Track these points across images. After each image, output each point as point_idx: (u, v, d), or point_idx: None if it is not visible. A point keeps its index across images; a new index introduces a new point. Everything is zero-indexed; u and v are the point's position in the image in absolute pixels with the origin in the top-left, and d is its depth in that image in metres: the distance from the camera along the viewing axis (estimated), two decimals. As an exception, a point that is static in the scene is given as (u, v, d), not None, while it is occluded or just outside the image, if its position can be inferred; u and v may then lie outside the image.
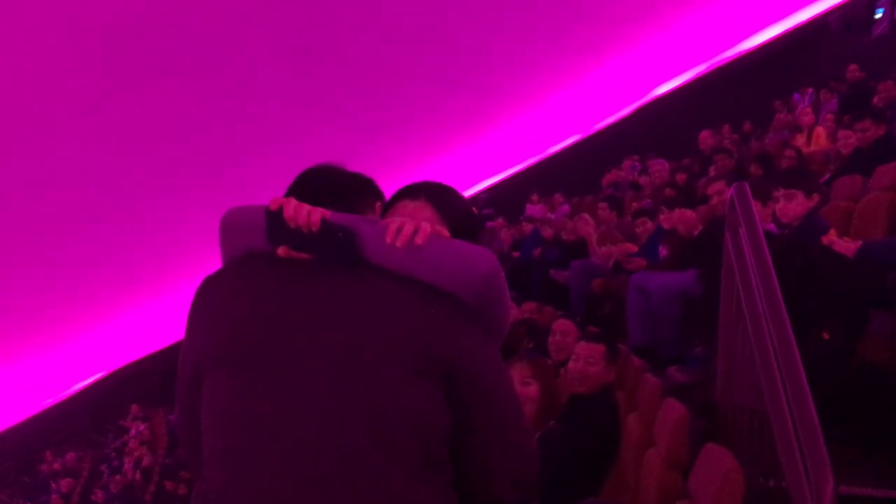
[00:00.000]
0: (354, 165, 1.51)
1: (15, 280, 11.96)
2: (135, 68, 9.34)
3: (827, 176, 6.12)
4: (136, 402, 13.84)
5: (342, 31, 10.04)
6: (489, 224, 11.73)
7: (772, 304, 2.39)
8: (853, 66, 10.05)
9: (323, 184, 1.41)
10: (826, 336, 3.05)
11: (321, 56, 10.40)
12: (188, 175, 11.52)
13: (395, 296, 1.24)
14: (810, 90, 10.64)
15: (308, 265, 1.28)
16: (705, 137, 9.11)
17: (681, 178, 8.31)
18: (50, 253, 11.93)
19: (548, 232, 8.66)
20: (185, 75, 9.85)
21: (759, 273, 2.52)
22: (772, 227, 3.64)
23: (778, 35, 13.41)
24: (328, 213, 1.28)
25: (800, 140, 8.00)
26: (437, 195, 1.48)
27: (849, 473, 2.71)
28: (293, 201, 1.29)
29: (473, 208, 1.57)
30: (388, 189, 1.52)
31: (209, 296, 1.34)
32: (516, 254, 9.40)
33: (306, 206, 1.28)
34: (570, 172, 12.26)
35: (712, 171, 7.25)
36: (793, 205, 3.43)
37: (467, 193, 13.51)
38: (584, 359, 3.21)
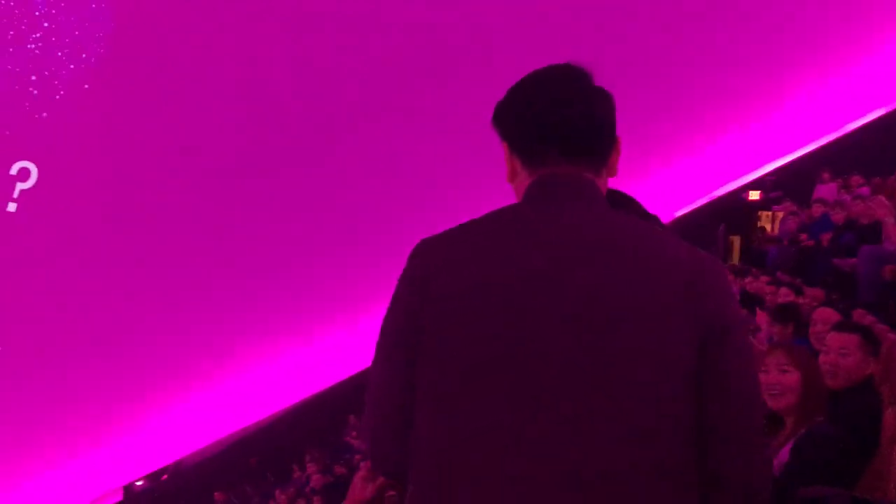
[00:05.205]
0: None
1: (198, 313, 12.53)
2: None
3: None
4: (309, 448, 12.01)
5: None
6: (775, 207, 11.10)
7: None
8: None
9: None
10: None
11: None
12: (333, 232, 12.17)
13: (663, 284, 1.09)
14: None
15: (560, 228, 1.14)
16: None
17: None
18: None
19: (839, 216, 8.12)
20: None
21: None
22: None
23: None
24: None
25: None
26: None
27: None
28: None
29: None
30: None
31: (435, 260, 1.16)
32: (804, 237, 8.91)
33: None
34: (870, 150, 11.07)
35: None
36: None
37: (750, 177, 12.77)
38: (835, 350, 3.05)
